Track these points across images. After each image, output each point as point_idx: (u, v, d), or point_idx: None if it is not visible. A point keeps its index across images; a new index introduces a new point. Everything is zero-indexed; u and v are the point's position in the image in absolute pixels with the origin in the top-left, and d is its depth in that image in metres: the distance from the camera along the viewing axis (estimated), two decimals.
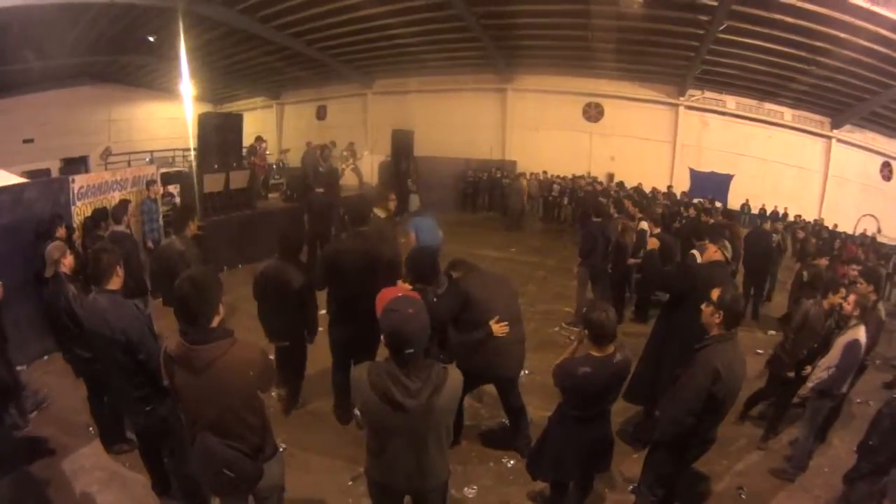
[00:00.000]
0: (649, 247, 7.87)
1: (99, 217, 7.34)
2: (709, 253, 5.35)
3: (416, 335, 2.66)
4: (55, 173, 17.34)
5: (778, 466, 5.37)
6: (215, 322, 2.91)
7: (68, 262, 4.98)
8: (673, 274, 5.83)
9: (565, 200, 19.09)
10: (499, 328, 4.55)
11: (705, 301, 3.76)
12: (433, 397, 2.68)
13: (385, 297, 2.91)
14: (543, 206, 20.11)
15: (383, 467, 2.92)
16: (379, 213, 6.59)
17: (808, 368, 5.43)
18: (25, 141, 19.57)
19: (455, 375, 2.82)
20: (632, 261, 8.69)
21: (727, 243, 5.42)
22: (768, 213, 18.51)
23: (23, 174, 10.39)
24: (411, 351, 2.64)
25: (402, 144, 17.40)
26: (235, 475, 2.89)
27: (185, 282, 2.87)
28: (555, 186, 19.68)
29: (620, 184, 19.34)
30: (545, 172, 20.34)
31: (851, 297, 5.13)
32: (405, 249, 6.35)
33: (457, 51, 20.00)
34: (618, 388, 3.85)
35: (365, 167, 18.78)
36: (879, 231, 18.49)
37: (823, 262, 7.78)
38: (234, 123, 12.45)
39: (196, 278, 2.91)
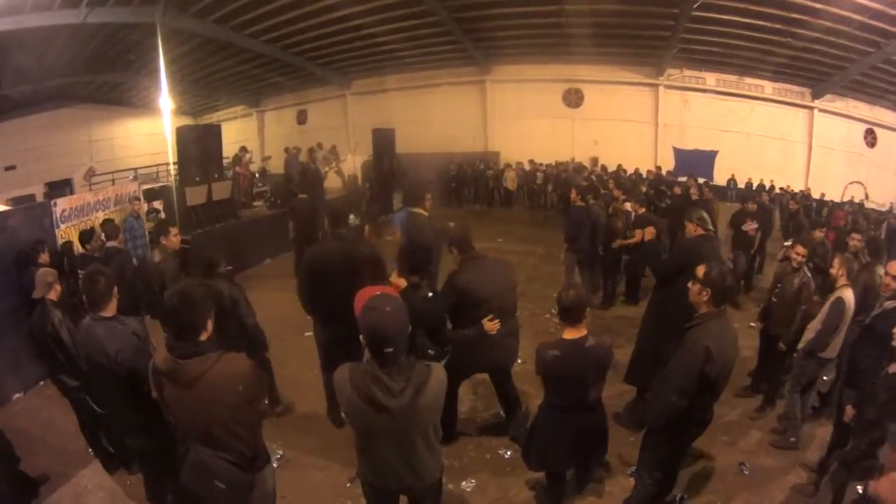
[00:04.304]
0: (647, 237, 7.91)
1: (84, 238, 7.31)
2: (690, 230, 5.43)
3: (396, 334, 2.61)
4: (40, 198, 17.21)
5: (778, 438, 5.39)
6: (203, 337, 2.88)
7: (57, 289, 4.91)
8: (667, 258, 5.86)
9: (550, 188, 19.06)
10: (491, 326, 4.51)
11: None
12: (416, 397, 2.64)
13: (363, 296, 2.87)
14: (528, 195, 20.06)
15: (374, 469, 2.90)
16: (419, 212, 6.42)
17: (783, 345, 5.60)
18: (7, 168, 19.53)
19: (438, 373, 2.77)
20: (619, 242, 8.68)
21: (705, 215, 5.49)
22: (754, 186, 18.55)
23: (7, 202, 10.37)
24: (391, 350, 2.59)
25: (383, 143, 17.36)
26: (227, 486, 2.87)
27: (175, 296, 2.85)
28: (538, 175, 19.63)
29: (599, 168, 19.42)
30: (532, 161, 20.26)
31: (837, 261, 5.15)
32: (393, 246, 6.33)
33: (432, 46, 19.98)
34: (596, 375, 3.79)
35: (348, 168, 18.79)
36: (867, 197, 18.61)
37: (820, 234, 7.77)
38: (212, 134, 12.36)
39: (185, 293, 2.89)
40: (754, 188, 18.07)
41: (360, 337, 2.68)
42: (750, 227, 8.97)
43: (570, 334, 3.67)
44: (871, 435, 3.86)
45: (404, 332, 2.67)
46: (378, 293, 2.89)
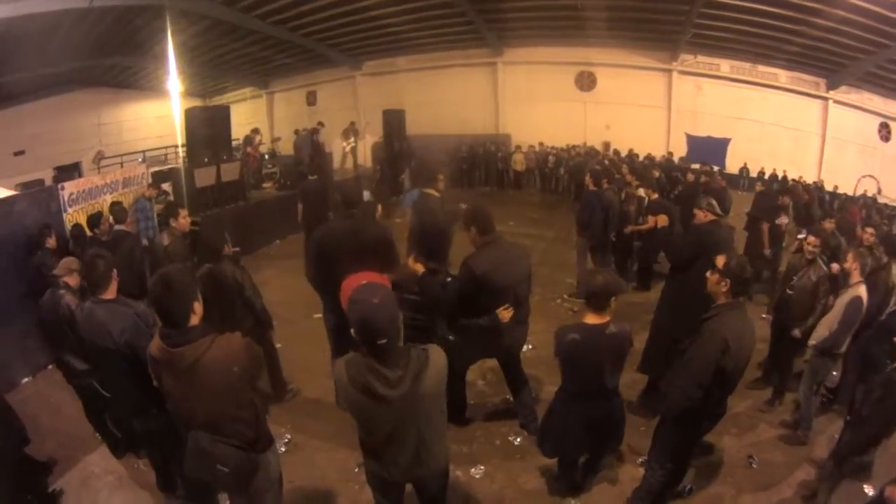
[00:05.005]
0: (659, 224, 7.84)
1: (93, 222, 7.27)
2: (699, 217, 5.44)
3: (387, 325, 2.52)
4: (49, 182, 17.26)
5: (787, 433, 5.35)
6: (194, 320, 2.84)
7: (77, 277, 4.86)
8: (682, 244, 5.81)
9: (561, 171, 19.03)
10: (505, 315, 4.42)
11: (712, 260, 3.69)
12: (416, 384, 2.58)
13: (348, 287, 2.78)
14: (540, 178, 20.03)
15: (379, 460, 2.84)
16: (431, 192, 6.26)
17: (798, 332, 5.51)
18: (16, 153, 19.56)
19: (437, 358, 2.70)
20: (631, 228, 8.61)
21: (713, 201, 5.46)
22: (766, 176, 18.40)
23: (16, 186, 10.38)
24: (385, 341, 2.52)
25: (393, 125, 17.24)
26: (230, 470, 2.85)
27: (157, 282, 2.80)
28: (550, 158, 19.56)
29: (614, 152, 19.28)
30: (542, 144, 20.23)
31: (850, 255, 5.07)
32: (404, 228, 6.26)
33: (444, 27, 19.76)
34: (614, 363, 3.73)
35: (359, 148, 18.80)
36: (880, 192, 18.37)
37: (830, 224, 7.66)
38: (221, 116, 12.33)
39: (167, 278, 2.82)
40: (766, 177, 17.96)
41: (351, 331, 2.60)
42: (783, 220, 8.86)
43: (592, 319, 3.61)
44: (863, 432, 3.85)
45: (396, 321, 2.59)
46: (364, 283, 2.82)
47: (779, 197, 9.42)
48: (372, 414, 2.65)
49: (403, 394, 2.56)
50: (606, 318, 3.61)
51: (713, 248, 4.53)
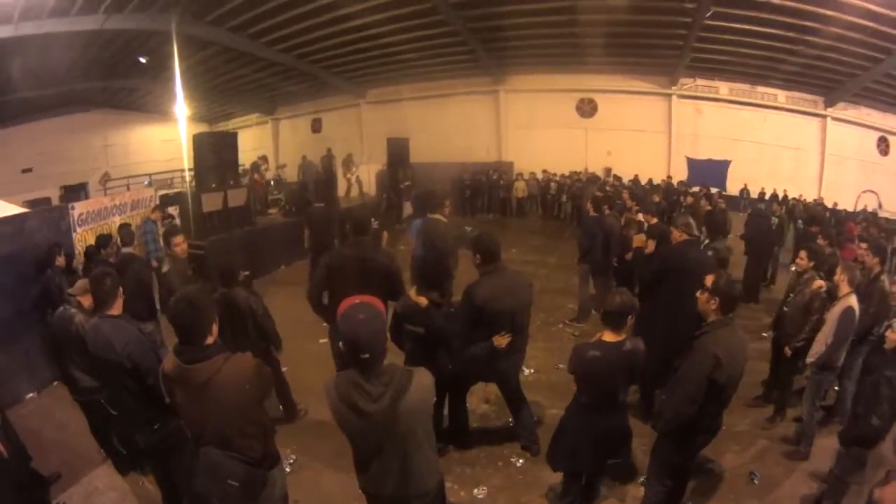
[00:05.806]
0: (635, 244, 7.95)
1: (101, 243, 7.35)
2: (675, 235, 5.62)
3: (370, 340, 2.64)
4: (55, 201, 17.47)
5: (789, 448, 5.38)
6: (209, 340, 2.95)
7: (90, 299, 4.97)
8: (650, 264, 5.95)
9: (563, 198, 19.14)
10: (501, 341, 4.51)
11: (685, 276, 3.82)
12: (396, 401, 2.66)
13: (343, 307, 2.92)
14: (542, 205, 20.15)
15: (370, 477, 2.91)
16: (438, 217, 6.45)
17: (788, 350, 5.62)
18: (24, 171, 19.78)
19: (421, 378, 2.79)
20: (631, 254, 8.67)
21: (690, 221, 5.61)
22: (767, 196, 18.49)
23: (23, 204, 10.49)
24: (367, 356, 2.63)
25: (397, 152, 17.39)
26: (240, 485, 2.92)
27: (180, 301, 2.92)
28: (552, 185, 19.71)
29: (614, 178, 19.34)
30: (545, 171, 20.33)
31: (839, 268, 5.18)
32: (409, 255, 6.34)
33: (447, 55, 19.98)
34: (627, 377, 3.88)
35: (362, 177, 18.87)
36: (880, 206, 18.41)
37: (823, 242, 7.72)
38: (229, 142, 12.48)
39: (190, 296, 2.96)
40: (767, 198, 18.03)
41: (339, 345, 2.73)
42: None
43: (609, 337, 3.79)
44: (859, 428, 3.96)
45: (379, 338, 2.70)
46: (356, 302, 2.93)
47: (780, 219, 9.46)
48: (357, 429, 2.74)
49: (383, 409, 2.64)
50: (623, 336, 3.78)
51: (683, 265, 4.62)
